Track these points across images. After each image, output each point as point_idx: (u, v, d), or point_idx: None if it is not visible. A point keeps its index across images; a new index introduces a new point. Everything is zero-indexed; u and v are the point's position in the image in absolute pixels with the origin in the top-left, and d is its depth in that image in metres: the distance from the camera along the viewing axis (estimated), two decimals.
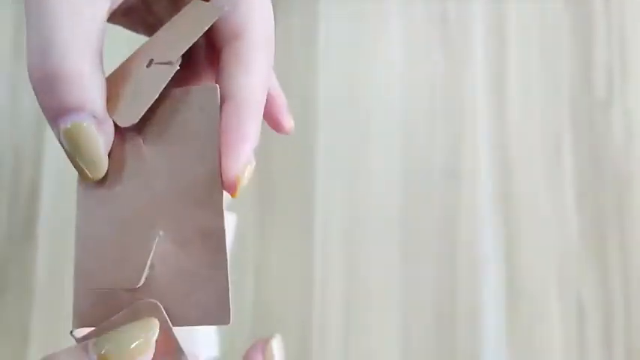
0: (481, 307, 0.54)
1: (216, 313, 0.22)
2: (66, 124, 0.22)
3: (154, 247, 0.23)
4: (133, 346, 0.21)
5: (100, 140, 0.23)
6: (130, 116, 0.23)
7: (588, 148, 0.57)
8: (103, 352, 0.21)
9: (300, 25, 0.58)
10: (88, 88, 0.22)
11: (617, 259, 0.55)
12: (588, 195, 0.56)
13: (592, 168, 0.57)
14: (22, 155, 0.55)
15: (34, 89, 0.22)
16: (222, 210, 0.23)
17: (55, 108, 0.22)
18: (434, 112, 0.57)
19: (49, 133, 0.54)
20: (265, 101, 0.26)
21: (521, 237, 0.56)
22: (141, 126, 0.23)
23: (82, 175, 0.23)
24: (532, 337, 0.54)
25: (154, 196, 0.23)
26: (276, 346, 0.26)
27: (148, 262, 0.23)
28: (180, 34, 0.24)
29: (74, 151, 0.23)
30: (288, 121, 0.32)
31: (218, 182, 0.23)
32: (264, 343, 0.26)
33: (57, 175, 0.55)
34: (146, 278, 0.23)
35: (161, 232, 0.23)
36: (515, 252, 0.55)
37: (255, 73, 0.25)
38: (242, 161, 0.23)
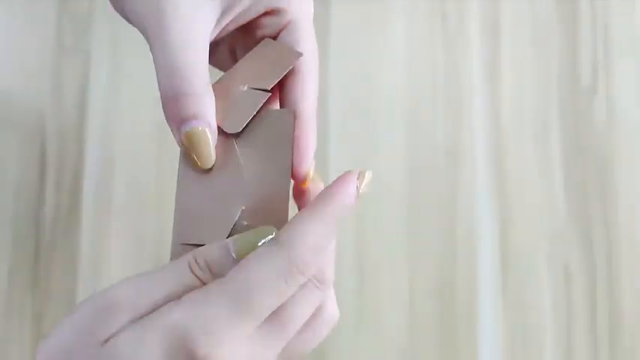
0: (478, 274, 0.57)
1: None
2: (186, 128, 0.29)
3: (237, 218, 0.29)
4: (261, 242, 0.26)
5: (211, 141, 0.29)
6: (235, 126, 0.30)
7: (574, 132, 0.60)
8: (237, 247, 0.26)
9: (314, 16, 0.61)
10: (204, 103, 0.28)
11: (601, 232, 0.58)
12: (574, 174, 0.59)
13: (578, 149, 0.59)
14: (66, 142, 0.58)
15: (163, 104, 0.29)
16: (287, 198, 0.30)
17: (178, 117, 0.28)
18: (435, 99, 0.60)
19: (90, 123, 0.58)
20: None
21: (514, 211, 0.58)
22: (236, 133, 0.30)
23: (194, 165, 0.30)
24: (524, 302, 0.57)
25: (240, 183, 0.30)
26: (370, 177, 0.31)
27: (231, 227, 0.29)
28: (267, 67, 0.32)
29: (192, 148, 0.29)
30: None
31: (287, 178, 0.30)
32: (361, 171, 0.30)
33: (97, 161, 0.58)
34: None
35: (243, 207, 0.29)
36: (509, 224, 0.58)
37: (311, 89, 0.31)
38: (309, 162, 0.31)
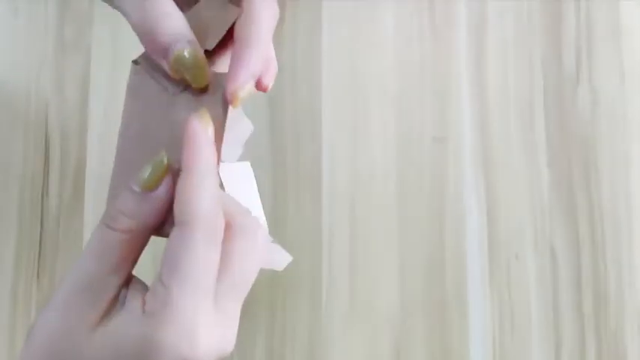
0: (466, 252, 0.59)
1: None
2: (174, 50, 0.29)
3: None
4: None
5: (202, 55, 0.29)
6: (209, 42, 0.30)
7: (559, 118, 0.61)
8: (139, 182, 0.28)
9: (307, 18, 0.62)
10: (181, 24, 0.29)
11: (584, 211, 0.60)
12: (558, 156, 0.61)
13: (562, 135, 0.61)
14: (68, 137, 0.60)
15: (143, 41, 0.29)
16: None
17: (160, 44, 0.29)
18: (423, 88, 0.62)
19: (91, 116, 0.60)
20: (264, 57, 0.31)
21: (500, 192, 0.60)
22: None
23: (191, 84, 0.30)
24: (510, 279, 0.59)
25: (175, 137, 0.30)
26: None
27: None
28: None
29: (185, 67, 0.29)
30: (268, 81, 0.33)
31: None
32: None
33: (99, 153, 0.60)
34: None
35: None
36: (495, 205, 0.60)
37: (262, 24, 0.31)
38: (240, 80, 0.29)
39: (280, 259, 0.36)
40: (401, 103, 0.62)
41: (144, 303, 0.26)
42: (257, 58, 0.30)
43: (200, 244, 0.26)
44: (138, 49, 0.34)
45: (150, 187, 0.27)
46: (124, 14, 0.30)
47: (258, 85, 0.33)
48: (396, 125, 0.61)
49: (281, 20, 0.62)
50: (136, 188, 0.27)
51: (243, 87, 0.29)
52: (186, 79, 0.29)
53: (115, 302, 0.27)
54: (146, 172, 0.28)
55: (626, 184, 0.61)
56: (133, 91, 0.32)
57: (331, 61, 0.62)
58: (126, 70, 0.58)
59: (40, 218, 0.58)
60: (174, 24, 0.29)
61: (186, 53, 0.28)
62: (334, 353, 0.58)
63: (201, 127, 0.27)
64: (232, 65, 0.29)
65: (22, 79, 0.61)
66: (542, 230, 0.60)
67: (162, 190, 0.28)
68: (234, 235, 0.28)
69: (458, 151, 0.61)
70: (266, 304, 0.58)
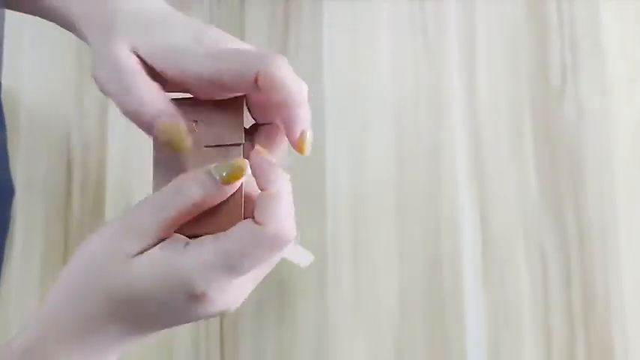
0: (461, 254, 0.63)
1: None
2: (157, 125, 0.31)
3: None
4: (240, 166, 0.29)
5: (180, 126, 0.31)
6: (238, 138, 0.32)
7: (546, 127, 0.65)
8: (224, 174, 0.30)
9: (310, 38, 0.66)
10: (159, 100, 0.31)
11: (572, 214, 0.63)
12: (546, 163, 0.64)
13: (549, 143, 0.64)
14: (89, 151, 0.64)
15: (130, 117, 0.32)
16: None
17: (145, 122, 0.32)
18: (419, 103, 0.65)
19: (111, 136, 0.64)
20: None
21: (492, 199, 0.64)
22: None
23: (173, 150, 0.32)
24: (503, 278, 0.62)
25: (202, 160, 0.32)
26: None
27: None
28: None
29: (168, 139, 0.31)
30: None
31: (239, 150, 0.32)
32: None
33: (118, 166, 0.64)
34: None
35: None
36: (488, 211, 0.63)
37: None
38: (300, 129, 0.32)
39: (304, 258, 0.40)
40: (398, 118, 0.65)
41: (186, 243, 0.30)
42: (305, 108, 0.32)
43: (263, 246, 0.29)
44: None
45: (226, 180, 0.30)
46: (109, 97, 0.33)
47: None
48: (395, 139, 0.65)
49: (285, 40, 0.66)
50: (216, 176, 0.30)
51: (307, 132, 0.32)
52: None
53: (152, 245, 0.30)
54: (226, 168, 0.30)
55: (611, 190, 0.64)
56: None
57: (333, 79, 0.65)
58: None
59: (64, 230, 0.63)
60: (155, 102, 0.31)
61: (164, 127, 0.31)
62: (340, 349, 0.61)
63: (263, 156, 0.31)
64: (289, 120, 0.32)
65: (45, 101, 0.65)
66: (533, 234, 0.63)
67: (231, 188, 0.30)
68: None
69: (452, 161, 0.64)
70: (276, 304, 0.61)
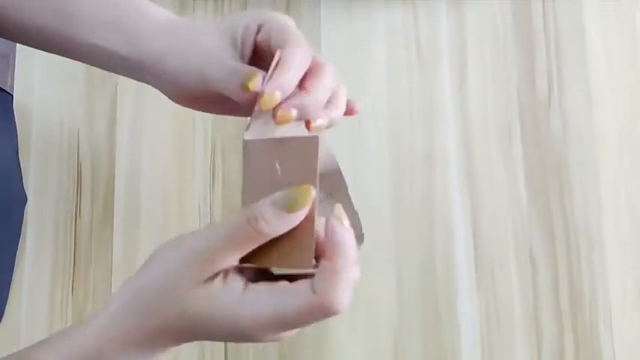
0: (454, 259, 0.65)
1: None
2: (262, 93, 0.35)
3: None
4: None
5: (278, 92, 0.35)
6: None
7: (534, 138, 0.67)
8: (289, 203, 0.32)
9: (308, 43, 0.67)
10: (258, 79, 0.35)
11: (560, 221, 0.65)
12: (534, 172, 0.66)
13: (537, 152, 0.66)
14: (98, 162, 0.66)
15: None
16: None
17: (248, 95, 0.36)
18: (412, 112, 0.68)
19: (119, 143, 0.66)
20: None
21: (483, 205, 0.66)
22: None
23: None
24: (495, 282, 0.64)
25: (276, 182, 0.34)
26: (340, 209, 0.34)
27: None
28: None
29: (265, 103, 0.35)
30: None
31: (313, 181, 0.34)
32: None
33: (127, 176, 0.66)
34: None
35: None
36: (479, 217, 0.66)
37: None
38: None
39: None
40: (393, 126, 0.67)
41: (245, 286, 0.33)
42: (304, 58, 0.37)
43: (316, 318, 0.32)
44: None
45: (290, 209, 0.32)
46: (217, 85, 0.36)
47: (349, 111, 0.39)
48: (389, 145, 0.67)
49: None
50: (279, 206, 0.32)
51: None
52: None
53: (219, 277, 0.33)
54: (291, 195, 0.32)
55: (597, 196, 0.66)
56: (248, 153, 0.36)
57: None
58: (150, 98, 0.65)
59: (73, 236, 0.65)
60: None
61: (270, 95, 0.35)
62: (340, 348, 0.63)
63: (342, 229, 0.33)
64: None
65: (56, 111, 0.67)
66: (523, 239, 0.65)
67: (298, 216, 0.32)
68: None
69: (444, 168, 0.67)
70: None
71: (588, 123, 0.67)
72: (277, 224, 0.32)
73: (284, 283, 0.33)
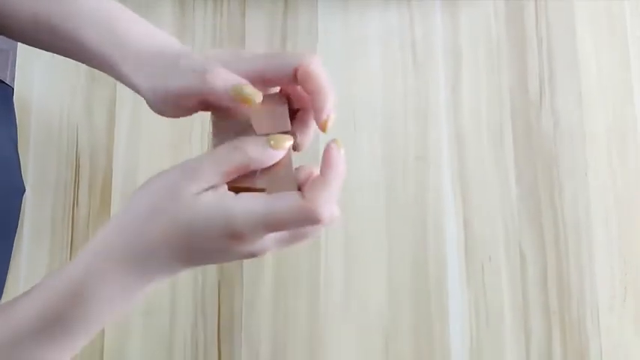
0: (446, 255, 0.66)
1: None
2: (230, 91, 0.35)
3: None
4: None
5: (251, 87, 0.36)
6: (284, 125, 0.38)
7: (525, 137, 0.68)
8: (272, 142, 0.35)
9: (306, 45, 0.69)
10: (223, 74, 0.36)
11: (549, 218, 0.66)
12: (525, 170, 0.67)
13: (528, 151, 0.68)
14: (96, 155, 0.67)
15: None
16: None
17: (220, 89, 0.36)
18: (406, 113, 0.68)
19: (117, 136, 0.67)
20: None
21: (474, 203, 0.67)
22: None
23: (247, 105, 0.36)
24: (485, 278, 0.65)
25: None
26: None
27: None
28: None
29: (240, 97, 0.35)
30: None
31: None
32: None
33: (123, 168, 0.67)
34: None
35: None
36: (470, 214, 0.67)
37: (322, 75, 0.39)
38: (326, 111, 0.38)
39: None
40: (387, 126, 0.69)
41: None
42: (332, 96, 0.38)
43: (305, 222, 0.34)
44: None
45: (275, 146, 0.35)
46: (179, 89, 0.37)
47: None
48: (383, 145, 0.68)
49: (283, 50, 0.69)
50: (270, 142, 0.35)
51: (330, 115, 0.38)
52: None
53: (210, 189, 0.34)
54: (275, 138, 0.35)
55: (586, 194, 0.67)
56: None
57: None
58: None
59: (71, 225, 0.65)
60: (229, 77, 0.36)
61: (239, 87, 0.36)
62: (332, 344, 0.64)
63: (338, 147, 0.37)
64: (319, 105, 0.37)
65: (56, 104, 0.68)
66: (512, 235, 0.66)
67: (278, 153, 0.35)
68: None
69: (437, 167, 0.68)
70: (271, 298, 0.64)
71: (579, 123, 0.69)
72: (262, 153, 0.35)
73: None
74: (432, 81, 0.70)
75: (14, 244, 0.65)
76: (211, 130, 0.38)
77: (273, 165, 0.36)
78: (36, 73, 0.69)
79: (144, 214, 0.34)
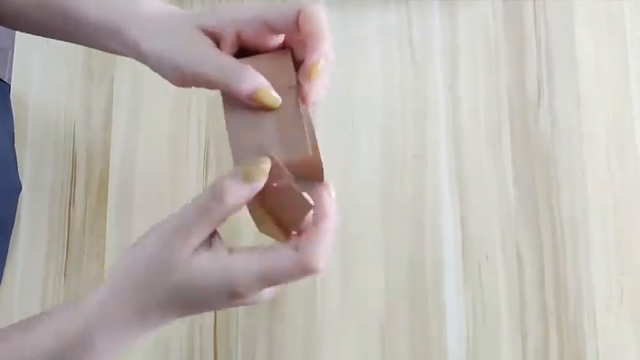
0: (443, 254, 0.66)
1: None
2: (249, 94, 0.36)
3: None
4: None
5: (272, 91, 0.37)
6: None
7: (523, 137, 0.68)
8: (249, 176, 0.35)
9: None
10: (250, 72, 0.36)
11: (547, 218, 0.66)
12: (523, 170, 0.68)
13: (525, 151, 0.68)
14: (93, 153, 0.67)
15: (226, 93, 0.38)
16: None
17: (242, 92, 0.37)
18: (404, 111, 0.69)
19: (114, 134, 0.67)
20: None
21: (472, 202, 0.67)
22: None
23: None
24: (482, 278, 0.65)
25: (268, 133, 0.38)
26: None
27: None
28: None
29: (261, 100, 0.36)
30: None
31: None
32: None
33: (120, 167, 0.67)
34: None
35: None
36: (468, 213, 0.67)
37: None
38: (315, 57, 0.38)
39: None
40: (386, 125, 0.68)
41: (230, 251, 0.36)
42: (328, 41, 0.38)
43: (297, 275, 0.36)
44: (154, 79, 0.41)
45: (250, 180, 0.35)
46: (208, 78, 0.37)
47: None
48: (382, 144, 0.68)
49: None
50: (240, 179, 0.35)
51: (321, 60, 0.38)
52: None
53: (201, 247, 0.35)
54: (249, 171, 0.35)
55: (583, 194, 0.67)
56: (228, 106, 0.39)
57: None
58: (145, 91, 0.66)
59: (67, 224, 0.65)
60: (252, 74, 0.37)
61: (261, 91, 0.37)
62: (329, 345, 0.64)
63: (329, 192, 0.38)
64: (312, 47, 0.37)
65: (54, 101, 0.68)
66: (510, 235, 0.66)
67: (258, 185, 0.36)
68: None
69: (435, 166, 0.68)
70: (267, 303, 0.64)
71: (577, 123, 0.69)
72: (240, 194, 0.35)
73: (267, 245, 0.37)
74: (430, 80, 0.69)
75: (10, 242, 0.65)
76: (223, 109, 0.38)
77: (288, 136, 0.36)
78: (34, 70, 0.69)
79: (142, 283, 0.35)
